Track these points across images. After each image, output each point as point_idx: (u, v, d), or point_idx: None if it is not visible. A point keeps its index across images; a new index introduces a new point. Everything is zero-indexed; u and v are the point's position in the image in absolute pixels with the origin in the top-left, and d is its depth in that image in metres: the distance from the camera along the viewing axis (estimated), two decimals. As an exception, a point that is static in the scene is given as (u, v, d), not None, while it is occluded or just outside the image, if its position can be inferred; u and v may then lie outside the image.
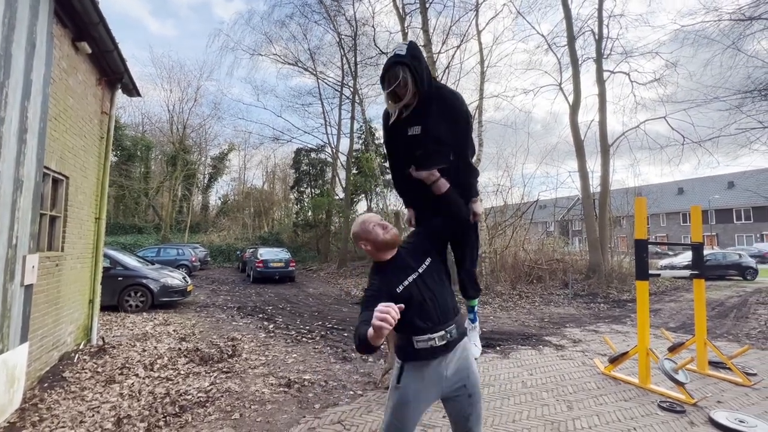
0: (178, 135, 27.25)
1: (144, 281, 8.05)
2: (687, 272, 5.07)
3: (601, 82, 14.11)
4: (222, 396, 3.66)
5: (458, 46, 13.54)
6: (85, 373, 4.08)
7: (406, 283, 1.54)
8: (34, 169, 3.26)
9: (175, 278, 8.59)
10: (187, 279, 9.11)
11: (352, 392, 3.81)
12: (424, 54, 12.13)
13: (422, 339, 1.53)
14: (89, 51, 4.39)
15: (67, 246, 4.31)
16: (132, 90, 5.78)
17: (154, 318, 7.17)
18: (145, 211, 28.10)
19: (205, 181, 32.97)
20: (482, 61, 13.64)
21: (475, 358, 1.91)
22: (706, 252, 17.08)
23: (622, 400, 3.65)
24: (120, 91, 5.63)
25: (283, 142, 22.72)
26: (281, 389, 3.87)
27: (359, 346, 1.33)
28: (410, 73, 1.54)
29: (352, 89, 18.55)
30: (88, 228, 5.03)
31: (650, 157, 17.92)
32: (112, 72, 5.13)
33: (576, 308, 9.07)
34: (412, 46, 1.59)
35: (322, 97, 21.44)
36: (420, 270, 1.59)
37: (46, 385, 3.72)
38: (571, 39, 14.05)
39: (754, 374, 4.37)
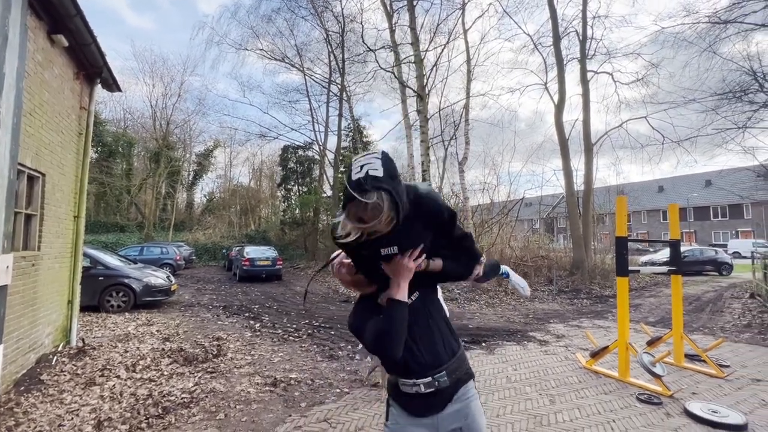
0: (161, 131, 26.65)
1: (126, 281, 7.86)
2: (665, 268, 5.23)
3: (584, 81, 14.36)
4: (206, 396, 3.62)
5: (445, 44, 13.59)
6: (64, 375, 3.97)
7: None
8: (7, 166, 3.14)
9: (158, 277, 8.43)
10: (171, 278, 8.94)
11: (338, 390, 3.82)
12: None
13: (407, 383, 1.34)
14: (66, 44, 4.26)
15: (43, 245, 4.18)
16: (112, 85, 5.62)
17: (137, 318, 7.03)
18: (128, 208, 27.43)
19: (190, 179, 32.38)
20: (469, 60, 13.73)
21: (526, 296, 1.89)
22: (684, 248, 17.63)
23: (602, 393, 3.75)
24: (99, 85, 5.47)
25: (269, 140, 22.47)
26: (267, 388, 3.85)
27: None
28: (391, 201, 1.13)
29: (339, 86, 18.45)
30: (67, 226, 4.88)
31: (632, 156, 18.50)
32: (90, 66, 4.98)
33: (560, 304, 9.25)
34: (386, 159, 1.18)
35: (309, 94, 21.27)
36: (413, 298, 1.38)
37: (22, 388, 3.61)
38: (557, 39, 14.24)
39: (728, 366, 4.55)
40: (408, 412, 1.35)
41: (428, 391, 1.31)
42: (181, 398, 3.55)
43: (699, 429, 3.02)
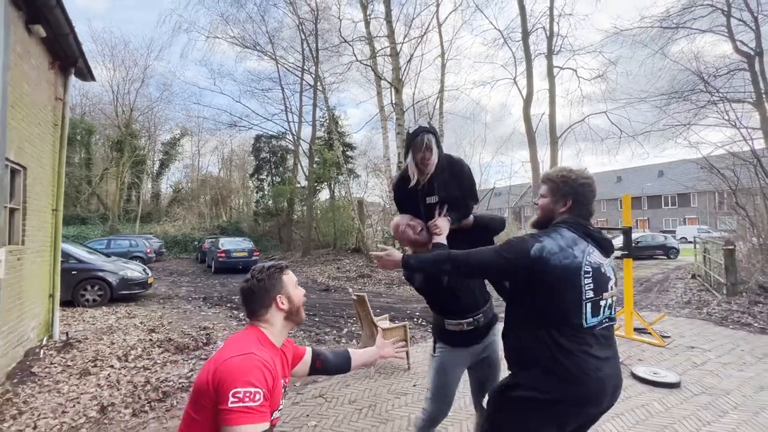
0: (124, 118, 25.33)
1: (101, 274, 7.72)
2: (619, 253, 5.85)
3: (551, 76, 15.08)
4: (203, 380, 3.81)
5: (421, 37, 13.82)
6: (55, 367, 4.02)
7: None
8: (-3, 160, 3.16)
9: (134, 270, 8.32)
10: (148, 271, 8.83)
11: (329, 370, 4.11)
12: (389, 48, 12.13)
13: (452, 323, 1.82)
14: (43, 34, 4.18)
15: (27, 239, 4.16)
16: (86, 74, 5.50)
17: (116, 311, 6.97)
18: (88, 200, 26.03)
19: (156, 168, 31.06)
20: (443, 54, 14.06)
21: None
22: (638, 235, 19.09)
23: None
24: (73, 75, 5.34)
25: (243, 129, 21.93)
26: (261, 371, 4.08)
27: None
28: (435, 142, 1.72)
29: (314, 76, 18.28)
30: (46, 220, 4.82)
31: (593, 148, 19.53)
32: (65, 56, 4.87)
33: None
34: (430, 123, 1.80)
35: (282, 82, 20.93)
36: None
37: (15, 380, 3.65)
38: (525, 35, 14.83)
39: (668, 336, 5.22)
40: (452, 345, 1.83)
41: (469, 328, 1.81)
42: (179, 383, 3.72)
43: (642, 387, 3.56)
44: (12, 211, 3.96)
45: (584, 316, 1.32)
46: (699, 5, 11.11)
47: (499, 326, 1.77)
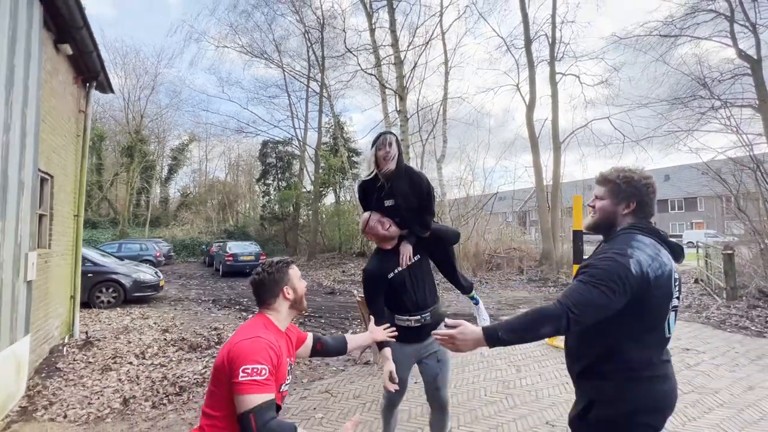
0: (134, 124, 25.91)
1: (115, 277, 8.02)
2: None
3: (553, 83, 15.24)
4: (217, 377, 4.04)
5: (425, 45, 14.08)
6: (78, 363, 4.28)
7: (397, 270, 2.03)
8: (31, 170, 3.44)
9: (146, 273, 8.61)
10: (159, 274, 9.13)
11: (334, 368, 4.32)
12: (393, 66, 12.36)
13: (402, 318, 2.00)
14: (70, 52, 4.48)
15: (53, 243, 4.44)
16: (106, 87, 5.82)
17: (130, 313, 7.24)
18: (99, 204, 26.60)
19: (164, 173, 31.64)
20: (446, 62, 14.31)
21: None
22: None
23: (560, 363, 4.42)
24: (94, 89, 5.65)
25: (250, 135, 22.35)
26: (271, 369, 4.30)
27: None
28: (397, 144, 1.98)
29: (319, 83, 18.64)
30: (69, 225, 5.11)
31: (596, 153, 19.61)
32: (88, 71, 5.18)
33: (529, 292, 10.08)
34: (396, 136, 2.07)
35: (288, 89, 21.33)
36: (414, 259, 2.02)
37: (43, 375, 3.91)
38: (528, 42, 15.03)
39: (664, 339, 5.36)
40: (399, 340, 1.97)
41: (416, 325, 1.98)
42: (194, 379, 3.95)
43: (634, 386, 3.72)
44: (41, 217, 4.25)
45: (668, 326, 1.27)
46: (702, 11, 11.26)
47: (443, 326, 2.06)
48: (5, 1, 2.81)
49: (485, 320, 2.37)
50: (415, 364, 2.12)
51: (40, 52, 3.53)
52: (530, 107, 14.98)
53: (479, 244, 14.74)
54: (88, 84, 5.42)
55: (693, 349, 4.95)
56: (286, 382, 1.42)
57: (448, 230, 2.25)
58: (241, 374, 1.18)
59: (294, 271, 1.51)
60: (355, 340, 1.84)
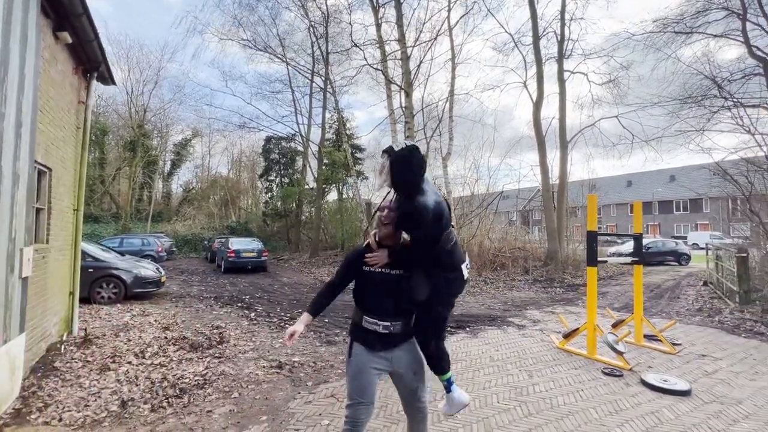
0: (137, 119, 25.80)
1: (116, 272, 7.90)
2: (629, 259, 5.84)
3: (561, 81, 15.02)
4: (218, 378, 3.91)
5: (432, 40, 13.87)
6: (76, 362, 4.15)
7: (373, 269, 1.96)
8: (27, 162, 3.30)
9: (148, 269, 8.49)
10: (161, 269, 9.01)
11: (340, 371, 4.18)
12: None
13: (370, 321, 1.94)
14: (69, 41, 4.33)
15: (51, 238, 4.31)
16: (108, 78, 5.67)
17: (131, 309, 7.13)
18: (101, 199, 26.54)
19: (167, 168, 31.54)
20: (453, 58, 14.10)
21: (449, 415, 2.33)
22: (648, 240, 18.86)
23: (573, 368, 4.28)
24: (96, 80, 5.50)
25: (253, 130, 22.20)
26: (274, 370, 4.16)
27: (313, 300, 1.98)
28: (389, 166, 1.83)
29: (324, 78, 18.44)
30: (68, 220, 4.98)
31: (604, 153, 19.37)
32: (89, 61, 5.03)
33: (535, 292, 9.91)
34: (411, 148, 1.82)
35: (292, 84, 21.15)
36: (390, 272, 1.95)
37: (39, 374, 3.79)
38: (536, 38, 14.80)
39: (679, 344, 5.20)
40: (366, 345, 1.95)
41: (384, 332, 1.93)
42: (195, 380, 3.82)
43: (652, 395, 3.57)
44: (38, 211, 4.11)
45: None
46: (714, 9, 11.02)
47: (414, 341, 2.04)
48: (-1, -17, 2.66)
49: (448, 410, 2.16)
50: (387, 376, 2.05)
51: (37, 39, 3.38)
52: (537, 105, 14.76)
53: (484, 243, 14.57)
54: (88, 75, 5.27)
55: (709, 355, 4.79)
56: None
57: (443, 291, 1.97)
58: None
59: None
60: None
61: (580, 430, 2.92)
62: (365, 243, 2.06)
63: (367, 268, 1.96)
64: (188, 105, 41.66)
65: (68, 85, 4.75)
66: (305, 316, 1.95)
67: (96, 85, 5.64)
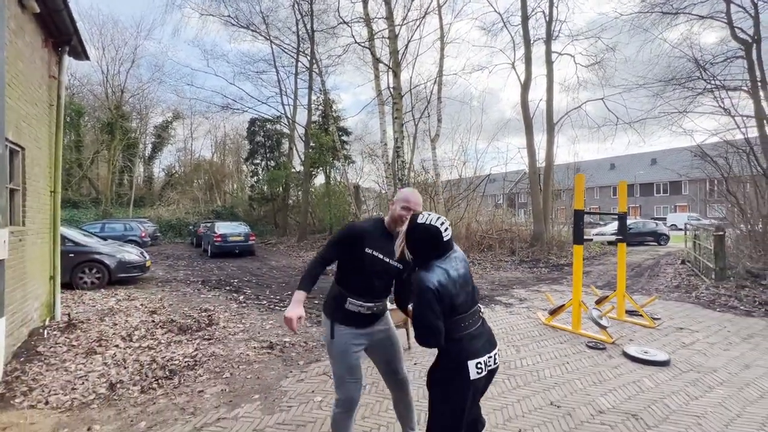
0: (114, 100, 24.76)
1: (98, 257, 7.71)
2: (614, 237, 5.98)
3: (549, 62, 14.97)
4: (209, 360, 3.88)
5: (421, 19, 13.57)
6: (60, 347, 4.07)
7: (377, 254, 1.90)
8: (-3, 140, 3.12)
9: (131, 253, 8.31)
10: (145, 254, 8.83)
11: (331, 350, 4.20)
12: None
13: (355, 303, 1.92)
14: (37, 10, 4.06)
15: (27, 220, 4.14)
16: (81, 53, 5.37)
17: (116, 294, 6.99)
18: (79, 183, 25.63)
19: (148, 152, 30.55)
20: (442, 37, 13.85)
21: None
22: (629, 221, 19.34)
23: (558, 343, 4.41)
24: (67, 54, 5.21)
25: (236, 112, 21.58)
26: (265, 351, 4.16)
27: (303, 277, 1.88)
28: (413, 227, 1.72)
29: (309, 58, 17.95)
30: (45, 202, 4.79)
31: (589, 136, 19.61)
32: (59, 33, 4.74)
33: (521, 272, 10.11)
34: (413, 222, 1.74)
35: (276, 64, 20.54)
36: (391, 262, 1.93)
37: (22, 359, 3.70)
38: (525, 18, 14.63)
39: (659, 318, 5.40)
40: (347, 325, 1.94)
41: (368, 312, 1.95)
42: (185, 362, 3.79)
43: (633, 366, 3.71)
44: (12, 192, 3.93)
45: None
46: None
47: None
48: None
49: None
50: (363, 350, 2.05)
51: (1, 7, 3.15)
52: (525, 87, 14.72)
53: (471, 225, 14.71)
54: (60, 49, 4.98)
55: (686, 328, 4.99)
56: None
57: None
58: None
59: None
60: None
61: (566, 400, 3.03)
62: (371, 222, 1.98)
63: (369, 251, 1.88)
64: (168, 85, 40.12)
65: (38, 59, 4.48)
66: (301, 295, 1.83)
67: (69, 61, 5.36)
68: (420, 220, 1.67)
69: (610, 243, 15.59)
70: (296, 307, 1.80)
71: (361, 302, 1.91)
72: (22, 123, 3.93)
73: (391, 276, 1.98)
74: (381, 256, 1.90)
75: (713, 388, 3.24)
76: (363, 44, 13.23)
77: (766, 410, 2.86)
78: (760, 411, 2.85)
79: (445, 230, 1.66)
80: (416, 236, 1.67)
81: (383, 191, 18.14)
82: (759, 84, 9.87)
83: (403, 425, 2.20)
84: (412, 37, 13.87)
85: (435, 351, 1.75)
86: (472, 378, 1.60)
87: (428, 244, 1.66)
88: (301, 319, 1.79)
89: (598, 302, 5.49)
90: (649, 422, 2.69)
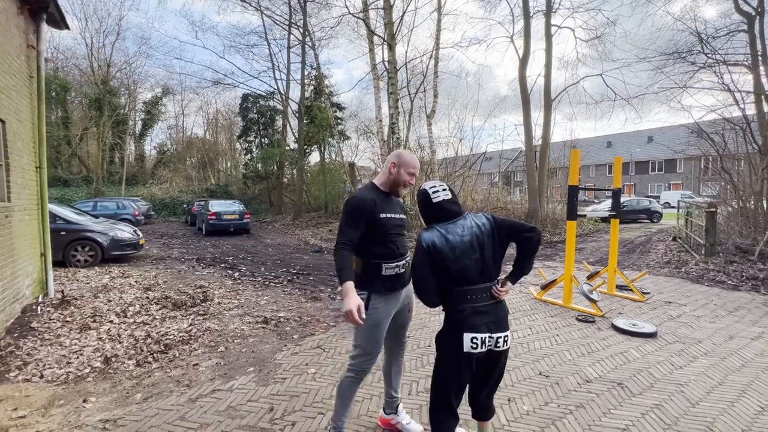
0: (101, 74, 23.96)
1: (91, 235, 7.64)
2: (607, 214, 6.01)
3: (548, 36, 14.61)
4: (203, 334, 3.92)
5: (414, -10, 13.05)
6: (54, 323, 4.08)
7: (390, 215, 1.98)
8: (-26, 111, 3.00)
9: (125, 231, 8.24)
10: (138, 232, 8.77)
11: (325, 324, 4.26)
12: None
13: (391, 266, 1.95)
14: (9, -27, 3.83)
15: (13, 196, 4.05)
16: (59, 21, 5.13)
17: (110, 271, 6.98)
18: (69, 161, 25.16)
19: (138, 129, 29.88)
20: (439, 8, 13.39)
21: None
22: (623, 199, 19.44)
23: (549, 316, 4.49)
24: (45, 23, 4.96)
25: (227, 87, 21.02)
26: (259, 326, 4.20)
27: (340, 268, 1.77)
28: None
29: (302, 30, 17.35)
30: (31, 177, 4.68)
31: (586, 112, 19.37)
32: (35, 0, 4.50)
33: (514, 249, 10.18)
34: (421, 190, 1.94)
35: (268, 37, 19.85)
36: (400, 216, 2.07)
37: (16, 335, 3.70)
38: (525, -11, 14.14)
39: (648, 293, 5.50)
40: (386, 291, 1.95)
41: (401, 272, 2.00)
42: (180, 336, 3.82)
43: (621, 338, 3.79)
44: (-6, 167, 3.83)
45: None
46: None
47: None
48: None
49: None
50: None
51: (-32, -33, 2.96)
52: (524, 61, 14.40)
53: (467, 203, 14.72)
54: (36, 16, 4.74)
55: (675, 302, 5.09)
56: None
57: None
58: None
59: None
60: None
61: (555, 371, 3.10)
62: (368, 190, 2.02)
63: (384, 215, 1.95)
64: (156, 59, 38.85)
65: (14, 27, 4.26)
66: (350, 284, 1.72)
67: (49, 32, 5.12)
68: (423, 185, 1.87)
69: (603, 220, 15.72)
70: (353, 298, 1.70)
71: (395, 263, 1.96)
72: (0, 95, 3.78)
73: (404, 228, 2.10)
74: (392, 215, 1.99)
75: (697, 358, 3.33)
76: (357, 15, 12.77)
77: (746, 378, 2.95)
78: (740, 379, 2.94)
79: (434, 193, 1.80)
80: (417, 199, 1.88)
81: (379, 169, 17.98)
82: (760, 58, 9.71)
83: (387, 386, 2.28)
84: (407, 8, 13.38)
85: (427, 324, 1.82)
86: (465, 350, 1.64)
87: (421, 205, 1.85)
88: (361, 308, 1.70)
89: (590, 277, 5.56)
90: (634, 390, 2.76)
